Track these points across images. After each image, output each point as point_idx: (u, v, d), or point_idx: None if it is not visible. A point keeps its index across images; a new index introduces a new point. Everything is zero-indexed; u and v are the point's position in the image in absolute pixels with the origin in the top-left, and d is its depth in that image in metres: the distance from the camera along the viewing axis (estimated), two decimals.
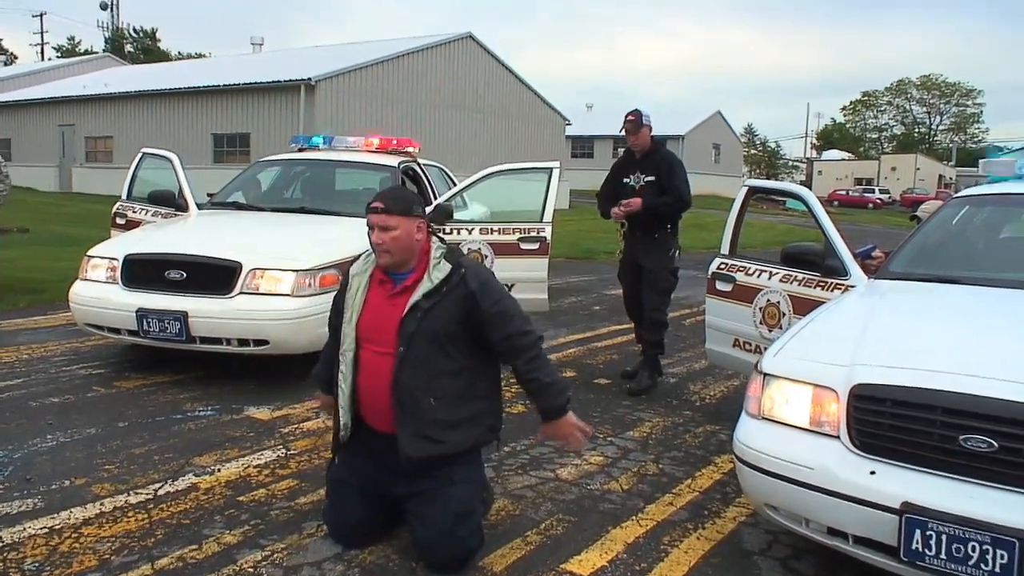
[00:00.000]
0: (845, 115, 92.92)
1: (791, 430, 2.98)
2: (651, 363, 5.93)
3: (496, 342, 3.05)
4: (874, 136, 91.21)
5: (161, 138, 25.18)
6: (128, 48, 61.57)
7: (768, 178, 75.41)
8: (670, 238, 5.89)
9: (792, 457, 2.89)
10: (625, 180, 5.98)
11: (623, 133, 5.86)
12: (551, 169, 6.98)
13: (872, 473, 2.70)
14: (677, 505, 3.79)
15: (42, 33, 58.47)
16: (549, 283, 6.77)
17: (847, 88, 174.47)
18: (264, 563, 3.06)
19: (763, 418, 3.08)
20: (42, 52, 57.18)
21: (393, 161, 7.58)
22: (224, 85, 24.84)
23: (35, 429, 4.40)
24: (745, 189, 5.35)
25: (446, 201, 6.88)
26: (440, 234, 3.16)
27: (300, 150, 8.18)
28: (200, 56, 55.03)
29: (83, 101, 28.70)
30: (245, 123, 24.26)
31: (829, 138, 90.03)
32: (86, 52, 54.63)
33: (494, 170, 7.03)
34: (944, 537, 2.49)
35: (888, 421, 2.73)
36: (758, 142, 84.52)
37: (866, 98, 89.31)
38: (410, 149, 8.07)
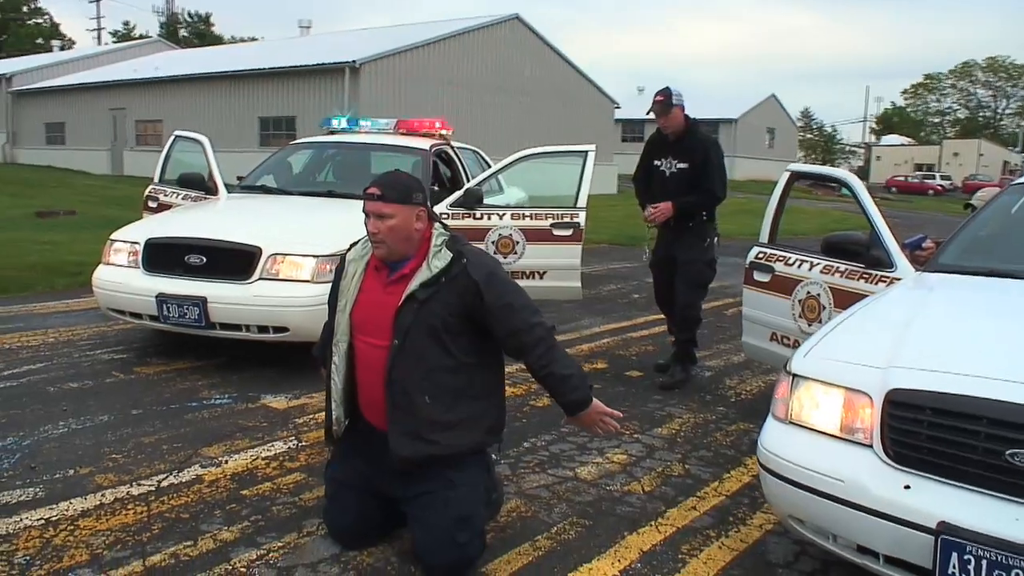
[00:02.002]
0: (906, 99, 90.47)
1: (820, 437, 2.74)
2: (684, 356, 5.68)
3: (502, 338, 2.86)
4: (936, 120, 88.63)
5: (209, 121, 25.45)
6: (183, 32, 62.42)
7: (824, 163, 73.79)
8: (706, 227, 5.51)
9: (820, 467, 2.65)
10: (656, 163, 5.60)
11: (650, 115, 5.43)
12: (586, 152, 6.78)
13: (906, 488, 2.46)
14: (701, 510, 3.57)
15: (98, 19, 59.80)
16: (588, 270, 6.58)
17: (908, 71, 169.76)
18: (258, 563, 2.92)
19: (790, 423, 2.85)
20: (99, 37, 58.21)
21: (425, 144, 7.41)
22: (269, 68, 24.93)
23: (49, 415, 4.35)
24: (787, 174, 5.07)
25: (476, 185, 6.69)
26: (445, 219, 2.97)
27: (330, 132, 8.07)
28: (253, 40, 55.58)
29: (134, 85, 29.08)
30: (291, 106, 24.33)
31: (889, 122, 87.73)
32: (141, 37, 55.44)
33: (526, 153, 6.83)
34: (984, 563, 2.24)
35: (926, 431, 2.48)
36: (815, 126, 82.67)
37: (928, 81, 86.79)
38: (443, 132, 7.90)
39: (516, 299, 2.84)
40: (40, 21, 64.48)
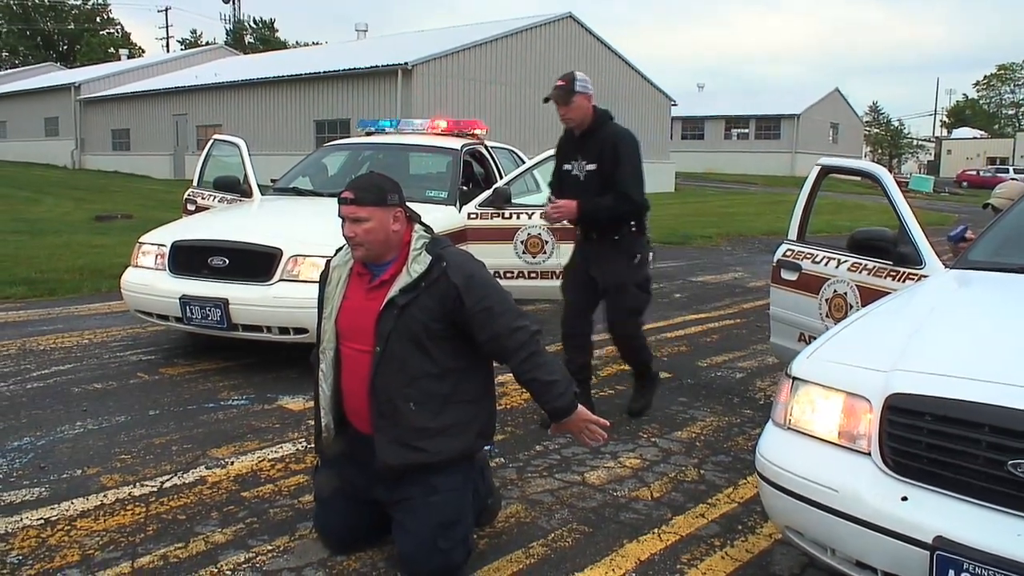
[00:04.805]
0: (978, 90, 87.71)
1: (818, 444, 2.59)
2: (643, 377, 4.89)
3: (483, 343, 2.77)
4: (1010, 112, 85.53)
5: (266, 125, 25.98)
6: (248, 39, 63.79)
7: (890, 159, 71.85)
8: (635, 240, 4.50)
9: (816, 476, 2.50)
10: (566, 167, 4.59)
11: (548, 103, 4.46)
12: None
13: (904, 499, 2.30)
14: (709, 517, 3.43)
15: (167, 27, 61.43)
16: None
17: (981, 62, 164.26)
18: (244, 565, 2.90)
19: (789, 429, 2.71)
20: (167, 45, 59.96)
21: (456, 144, 7.37)
22: (324, 72, 25.27)
23: (68, 416, 4.41)
24: (817, 169, 4.88)
25: (505, 184, 6.62)
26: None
27: (368, 134, 8.10)
28: (316, 44, 56.53)
29: (195, 91, 29.80)
30: (345, 109, 24.62)
31: (960, 115, 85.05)
32: (207, 44, 56.86)
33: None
34: None
35: (926, 439, 2.31)
36: (882, 121, 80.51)
37: (1002, 72, 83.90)
38: (477, 131, 7.85)
39: (497, 303, 2.76)
40: (112, 31, 66.59)
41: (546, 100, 4.46)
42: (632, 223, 4.48)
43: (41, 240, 11.69)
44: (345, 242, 2.84)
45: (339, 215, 2.78)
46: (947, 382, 2.38)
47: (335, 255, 2.98)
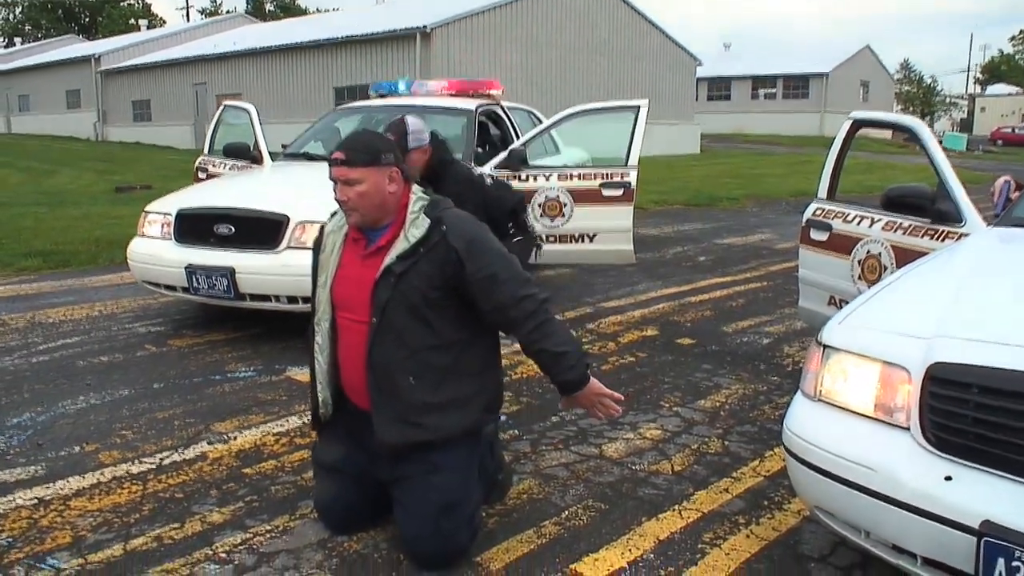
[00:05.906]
0: (1014, 45, 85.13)
1: (852, 417, 2.38)
2: None
3: (486, 312, 2.58)
4: None
5: (286, 92, 25.81)
6: (268, 6, 63.39)
7: (923, 116, 70.31)
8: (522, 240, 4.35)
9: (849, 453, 2.30)
10: None
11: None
12: (638, 107, 6.41)
13: (948, 479, 2.09)
14: (733, 492, 3.24)
15: None
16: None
17: (1017, 16, 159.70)
18: (240, 547, 2.76)
19: (819, 400, 2.51)
20: (187, 15, 59.55)
21: (471, 104, 7.13)
22: (342, 38, 24.93)
23: (71, 390, 4.29)
24: (848, 123, 4.62)
25: (522, 145, 6.40)
26: (423, 183, 2.69)
27: (381, 96, 7.88)
28: (336, 10, 55.99)
29: (214, 60, 29.55)
30: (364, 75, 24.28)
31: (995, 71, 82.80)
32: (227, 13, 56.52)
33: (574, 111, 6.52)
34: None
35: (972, 413, 2.10)
36: (914, 78, 78.61)
37: None
38: (492, 92, 7.60)
39: (502, 269, 2.55)
40: (133, 2, 66.41)
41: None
42: (509, 225, 4.32)
43: (60, 212, 11.63)
44: (338, 206, 2.64)
45: (330, 177, 2.58)
46: (995, 349, 2.16)
47: (329, 220, 2.79)
